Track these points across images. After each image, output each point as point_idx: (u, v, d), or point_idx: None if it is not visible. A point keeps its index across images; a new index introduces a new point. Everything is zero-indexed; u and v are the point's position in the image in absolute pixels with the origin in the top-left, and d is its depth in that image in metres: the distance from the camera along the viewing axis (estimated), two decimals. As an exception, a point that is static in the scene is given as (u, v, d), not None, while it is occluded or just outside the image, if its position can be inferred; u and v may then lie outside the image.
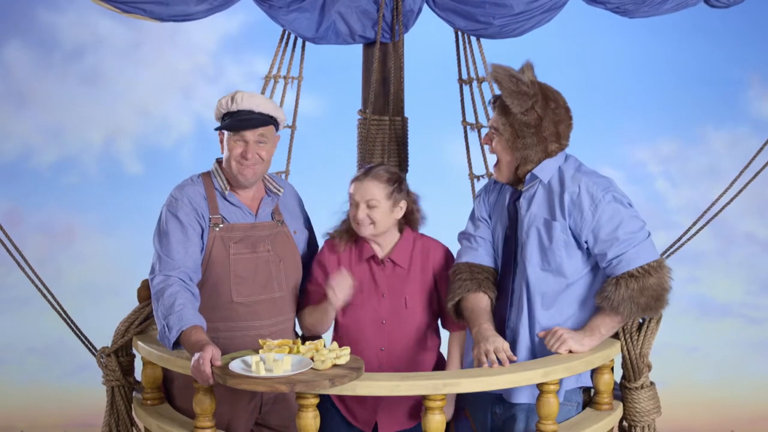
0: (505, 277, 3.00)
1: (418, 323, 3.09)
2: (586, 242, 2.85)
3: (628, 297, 2.79)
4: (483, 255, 3.05)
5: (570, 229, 2.86)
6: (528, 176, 2.93)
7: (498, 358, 2.67)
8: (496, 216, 3.07)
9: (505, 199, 3.03)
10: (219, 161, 3.12)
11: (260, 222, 3.08)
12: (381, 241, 3.11)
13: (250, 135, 2.98)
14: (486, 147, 3.10)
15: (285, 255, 3.12)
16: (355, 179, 3.09)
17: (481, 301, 2.96)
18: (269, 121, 3.02)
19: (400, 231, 3.14)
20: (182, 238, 2.94)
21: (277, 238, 3.11)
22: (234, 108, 2.98)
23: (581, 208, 2.82)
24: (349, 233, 3.13)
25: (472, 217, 3.15)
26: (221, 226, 3.00)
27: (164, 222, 2.97)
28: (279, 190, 3.13)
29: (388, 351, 3.05)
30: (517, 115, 2.86)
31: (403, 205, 3.09)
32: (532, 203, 2.92)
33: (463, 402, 3.11)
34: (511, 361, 2.68)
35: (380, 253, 3.11)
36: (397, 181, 3.08)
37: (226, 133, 3.02)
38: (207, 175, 3.09)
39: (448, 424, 2.96)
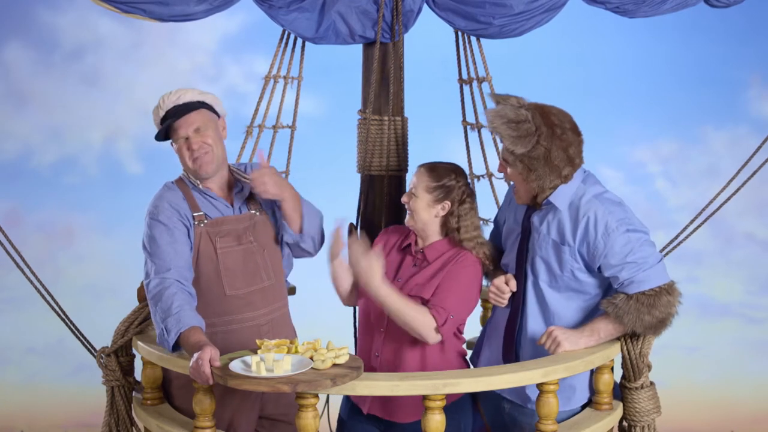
0: (517, 287, 3.04)
1: None
2: (598, 268, 2.88)
3: (636, 310, 2.82)
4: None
5: (580, 254, 2.88)
6: (545, 202, 2.95)
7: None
8: (512, 220, 3.13)
9: (522, 210, 3.07)
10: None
11: (240, 214, 3.11)
12: (424, 236, 3.14)
13: (184, 130, 2.99)
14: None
15: (266, 243, 3.14)
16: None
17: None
18: (197, 105, 3.01)
19: (444, 235, 3.13)
20: (170, 239, 2.94)
21: (256, 227, 3.12)
22: (163, 112, 3.01)
23: (595, 235, 2.83)
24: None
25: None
26: (205, 221, 3.02)
27: (149, 229, 2.98)
28: (247, 179, 3.14)
29: (386, 332, 3.06)
30: (525, 153, 2.85)
31: (446, 205, 3.07)
32: (543, 222, 2.96)
33: (475, 395, 3.15)
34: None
35: (421, 245, 3.15)
36: (448, 179, 3.06)
37: (173, 144, 3.04)
38: (179, 180, 3.11)
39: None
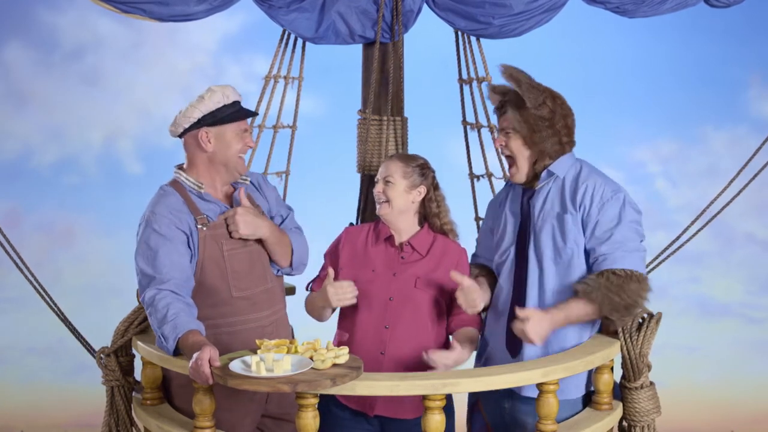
0: (519, 271, 3.04)
1: (426, 307, 3.07)
2: (586, 235, 2.93)
3: (605, 288, 2.84)
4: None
5: (582, 221, 2.93)
6: (544, 173, 2.99)
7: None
8: (505, 215, 3.14)
9: (518, 197, 3.10)
10: (180, 167, 3.08)
11: None
12: (399, 228, 3.13)
13: (246, 124, 3.07)
14: (495, 149, 3.16)
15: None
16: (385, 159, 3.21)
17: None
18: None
19: (420, 225, 3.17)
20: (168, 250, 2.88)
21: None
22: (230, 100, 3.00)
23: (591, 201, 2.92)
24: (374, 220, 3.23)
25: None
26: (208, 224, 2.98)
27: (146, 239, 2.91)
28: (245, 180, 3.13)
29: (392, 330, 3.04)
30: (532, 110, 2.94)
31: (422, 190, 3.12)
32: (546, 201, 3.00)
33: (476, 395, 3.16)
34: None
35: (398, 239, 3.14)
36: (420, 166, 3.13)
37: (219, 128, 2.98)
38: (175, 183, 3.04)
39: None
